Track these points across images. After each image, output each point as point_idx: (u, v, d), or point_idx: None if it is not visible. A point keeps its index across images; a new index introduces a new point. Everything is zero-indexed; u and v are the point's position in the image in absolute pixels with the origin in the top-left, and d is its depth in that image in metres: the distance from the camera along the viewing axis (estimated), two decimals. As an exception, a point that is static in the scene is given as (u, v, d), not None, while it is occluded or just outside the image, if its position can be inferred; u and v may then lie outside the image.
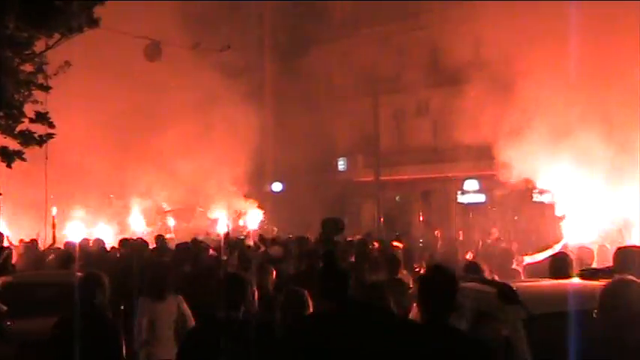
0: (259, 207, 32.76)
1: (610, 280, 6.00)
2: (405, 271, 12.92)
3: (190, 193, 32.40)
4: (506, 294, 7.20)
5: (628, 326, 5.51)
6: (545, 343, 6.79)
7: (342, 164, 42.68)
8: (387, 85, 36.04)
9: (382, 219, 36.90)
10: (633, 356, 5.52)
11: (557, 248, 14.57)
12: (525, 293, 7.24)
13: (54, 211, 25.77)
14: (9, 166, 14.36)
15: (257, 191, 39.63)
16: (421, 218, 36.38)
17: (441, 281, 6.48)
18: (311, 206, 36.13)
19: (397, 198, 41.34)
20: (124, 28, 22.61)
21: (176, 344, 9.94)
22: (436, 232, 23.28)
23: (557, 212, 16.74)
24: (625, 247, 10.07)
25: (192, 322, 10.59)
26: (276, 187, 40.62)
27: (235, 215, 32.13)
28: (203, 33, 25.95)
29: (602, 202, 15.84)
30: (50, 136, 13.61)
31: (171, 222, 31.86)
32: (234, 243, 20.00)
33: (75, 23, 13.31)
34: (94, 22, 14.32)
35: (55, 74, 15.30)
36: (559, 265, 10.21)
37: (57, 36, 14.07)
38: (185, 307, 11.01)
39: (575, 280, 8.15)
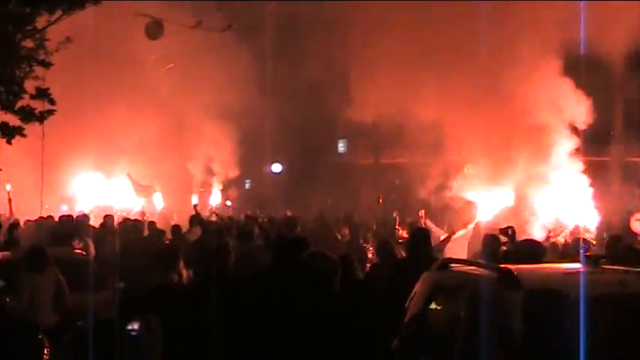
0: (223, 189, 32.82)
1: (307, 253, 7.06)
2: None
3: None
4: (508, 279, 7.15)
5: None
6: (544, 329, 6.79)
7: (342, 146, 42.55)
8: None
9: (381, 201, 36.83)
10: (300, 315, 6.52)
11: (469, 228, 17.18)
12: (527, 278, 7.21)
13: (8, 187, 25.45)
14: (9, 142, 14.31)
15: (256, 172, 39.73)
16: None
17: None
18: (311, 188, 36.10)
19: (396, 181, 41.21)
20: (125, 5, 22.53)
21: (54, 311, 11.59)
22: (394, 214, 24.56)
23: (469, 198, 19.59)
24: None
25: (66, 289, 11.40)
26: (276, 168, 40.48)
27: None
28: (205, 12, 25.76)
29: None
30: (51, 112, 13.54)
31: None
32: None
33: (78, -1, 13.26)
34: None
35: (56, 50, 15.21)
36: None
37: (59, 12, 13.99)
38: (60, 276, 12.06)
39: (576, 265, 8.08)
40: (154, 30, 24.29)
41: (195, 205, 23.59)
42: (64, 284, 12.21)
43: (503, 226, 15.88)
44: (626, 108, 29.11)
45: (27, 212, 23.61)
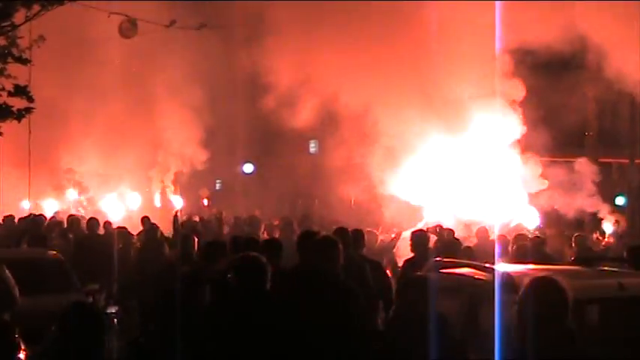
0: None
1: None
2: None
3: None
4: (504, 282, 7.04)
5: None
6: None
7: (313, 147, 42.27)
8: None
9: (353, 202, 36.69)
10: None
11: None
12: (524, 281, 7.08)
13: None
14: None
15: (227, 172, 39.45)
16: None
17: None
18: (282, 189, 35.95)
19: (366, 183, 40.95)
20: (98, 4, 22.22)
21: None
22: None
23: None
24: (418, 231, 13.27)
25: (14, 288, 11.11)
26: (248, 168, 40.18)
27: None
28: (181, 11, 25.46)
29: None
30: (29, 110, 13.26)
31: None
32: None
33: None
34: (73, -5, 14.06)
35: (28, 48, 14.96)
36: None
37: (35, 8, 13.75)
38: (7, 274, 11.40)
39: (573, 268, 8.01)
40: (128, 29, 23.97)
41: (176, 213, 23.46)
42: (9, 283, 11.83)
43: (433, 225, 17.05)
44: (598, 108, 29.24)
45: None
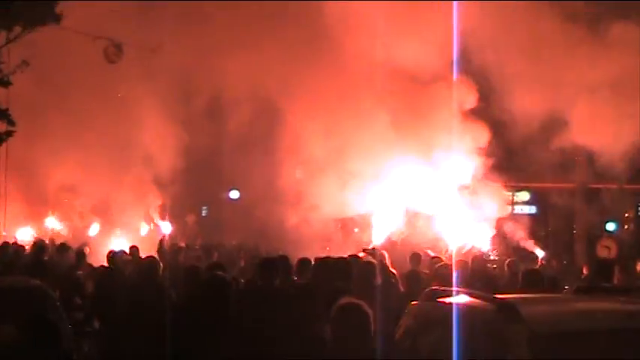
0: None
1: None
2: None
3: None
4: (507, 311, 6.68)
5: None
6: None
7: (298, 173, 42.01)
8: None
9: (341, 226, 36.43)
10: None
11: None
12: (529, 310, 6.74)
13: None
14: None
15: (214, 198, 39.17)
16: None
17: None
18: (267, 214, 35.64)
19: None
20: (84, 28, 21.91)
21: None
22: None
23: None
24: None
25: None
26: (234, 194, 39.82)
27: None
28: (165, 35, 25.11)
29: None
30: (10, 133, 12.97)
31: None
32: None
33: (38, 16, 12.78)
34: (56, 18, 13.82)
35: (12, 73, 14.72)
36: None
37: (17, 30, 13.52)
38: None
39: (576, 297, 7.70)
40: (114, 53, 23.71)
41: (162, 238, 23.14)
42: None
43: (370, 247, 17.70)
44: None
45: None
